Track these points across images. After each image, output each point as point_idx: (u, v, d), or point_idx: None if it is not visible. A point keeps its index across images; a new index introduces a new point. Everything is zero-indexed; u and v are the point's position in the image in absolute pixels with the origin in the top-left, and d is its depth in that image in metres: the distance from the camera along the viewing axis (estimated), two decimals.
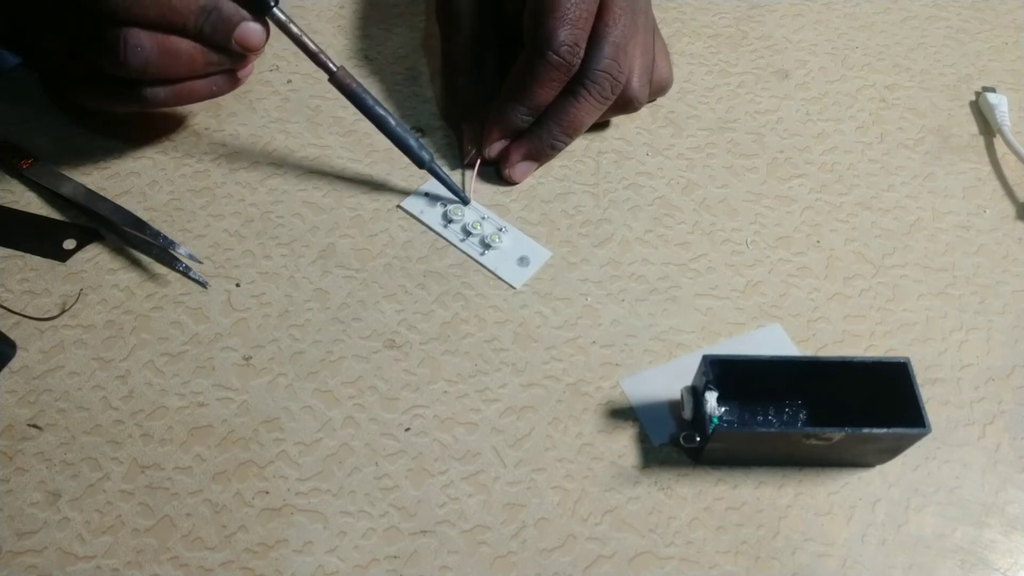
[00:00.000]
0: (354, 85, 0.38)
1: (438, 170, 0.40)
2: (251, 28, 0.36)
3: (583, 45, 0.38)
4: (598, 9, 0.39)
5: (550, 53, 0.38)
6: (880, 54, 0.50)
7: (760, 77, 0.48)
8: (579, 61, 0.39)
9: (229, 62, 0.37)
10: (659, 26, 0.45)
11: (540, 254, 0.40)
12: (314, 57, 0.37)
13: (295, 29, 0.36)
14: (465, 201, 0.40)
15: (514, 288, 0.38)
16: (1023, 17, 0.53)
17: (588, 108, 0.40)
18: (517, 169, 0.42)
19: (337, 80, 0.37)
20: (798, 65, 0.49)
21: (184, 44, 0.36)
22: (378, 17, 0.49)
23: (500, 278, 0.39)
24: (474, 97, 0.42)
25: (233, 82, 0.39)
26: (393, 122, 0.38)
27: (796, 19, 0.51)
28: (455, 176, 0.42)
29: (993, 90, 0.48)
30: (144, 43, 0.35)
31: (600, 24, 0.39)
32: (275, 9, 0.36)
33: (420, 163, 0.39)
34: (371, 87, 0.45)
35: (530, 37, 0.39)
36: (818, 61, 0.49)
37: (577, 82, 0.39)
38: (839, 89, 0.48)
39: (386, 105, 0.39)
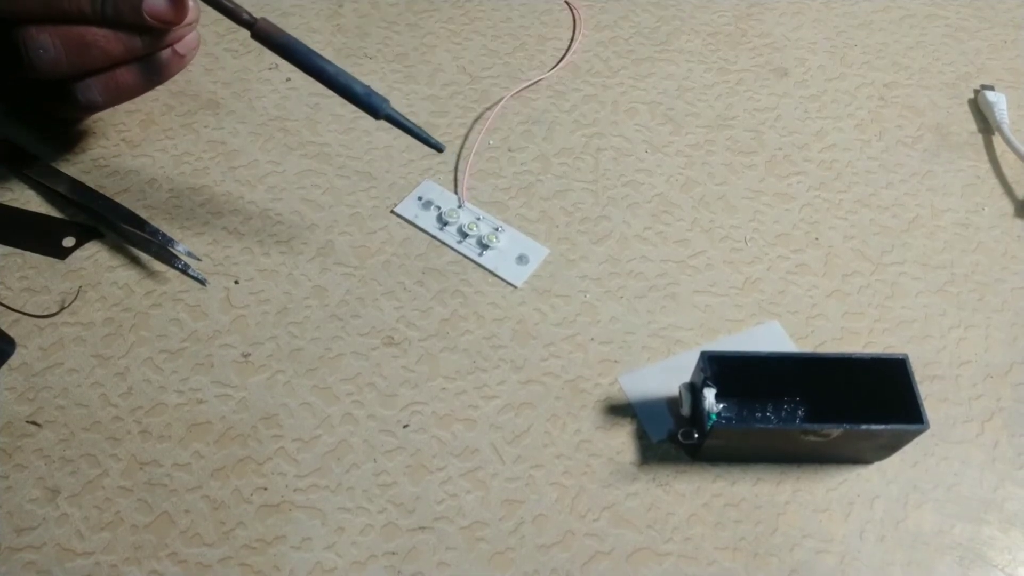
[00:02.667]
0: (281, 36, 0.33)
1: (397, 117, 0.34)
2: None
3: None
4: None
5: None
6: (879, 52, 0.50)
7: (759, 75, 0.48)
8: None
9: (154, 43, 0.35)
10: (659, 24, 0.45)
11: (538, 252, 0.40)
12: (229, 13, 0.33)
13: None
14: (439, 148, 0.35)
15: (515, 287, 0.38)
16: (1022, 15, 0.53)
17: None
18: None
19: (260, 33, 0.33)
20: (797, 63, 0.49)
21: (92, 33, 0.33)
22: (378, 16, 0.49)
23: (500, 277, 0.39)
24: None
25: (173, 63, 0.36)
26: (332, 70, 0.33)
27: (795, 17, 0.51)
28: (446, 172, 0.42)
29: (992, 88, 0.48)
30: (46, 43, 0.32)
31: None
32: None
33: (374, 113, 0.34)
34: (370, 85, 0.45)
35: None
36: (817, 59, 0.49)
37: None
38: (838, 87, 0.48)
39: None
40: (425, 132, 0.35)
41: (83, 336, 0.36)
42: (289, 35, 0.33)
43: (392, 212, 0.41)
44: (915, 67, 0.49)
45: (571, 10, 0.50)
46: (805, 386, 0.34)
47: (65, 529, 0.31)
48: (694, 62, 0.48)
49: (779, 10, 0.51)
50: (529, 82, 0.46)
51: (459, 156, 0.43)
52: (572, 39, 0.49)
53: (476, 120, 0.44)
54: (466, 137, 0.44)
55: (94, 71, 0.35)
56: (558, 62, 0.48)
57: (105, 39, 0.34)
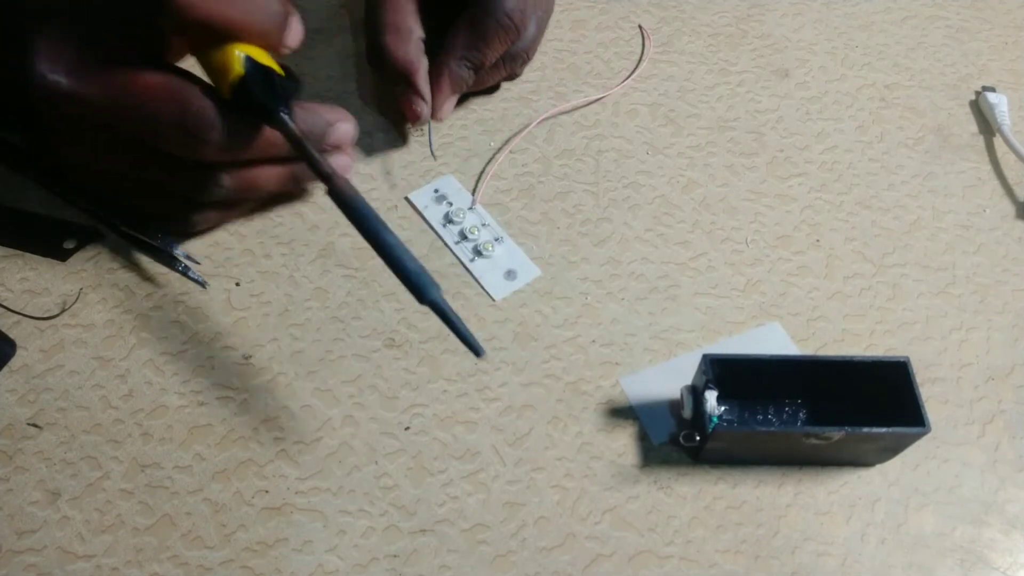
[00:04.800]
0: (354, 197, 0.31)
1: (443, 306, 0.30)
2: (344, 128, 0.37)
3: (528, 11, 0.40)
4: None
5: (504, 16, 0.39)
6: (880, 53, 0.50)
7: (760, 76, 0.48)
8: (525, 27, 0.41)
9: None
10: (660, 25, 0.45)
11: (529, 271, 0.39)
12: (313, 163, 0.32)
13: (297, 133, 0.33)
14: (478, 352, 0.30)
15: (493, 300, 0.38)
16: (1023, 16, 0.53)
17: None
18: (447, 107, 0.42)
19: (335, 189, 0.31)
20: (798, 64, 0.49)
21: (264, 175, 0.36)
22: None
23: (482, 287, 0.38)
24: (408, 55, 0.40)
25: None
26: (392, 242, 0.31)
27: (796, 18, 0.51)
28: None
29: (993, 89, 0.48)
30: (224, 181, 0.35)
31: None
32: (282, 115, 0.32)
33: (420, 296, 0.30)
34: (372, 85, 0.45)
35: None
36: (818, 60, 0.49)
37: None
38: (839, 88, 0.48)
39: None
40: (469, 332, 0.30)
41: (84, 338, 0.36)
42: (361, 197, 0.32)
43: (405, 198, 0.41)
44: (916, 68, 0.49)
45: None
46: (806, 388, 0.34)
47: (66, 532, 0.31)
48: (695, 63, 0.48)
49: (780, 11, 0.51)
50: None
51: (487, 161, 0.43)
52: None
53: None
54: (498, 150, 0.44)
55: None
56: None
57: (268, 179, 0.36)
